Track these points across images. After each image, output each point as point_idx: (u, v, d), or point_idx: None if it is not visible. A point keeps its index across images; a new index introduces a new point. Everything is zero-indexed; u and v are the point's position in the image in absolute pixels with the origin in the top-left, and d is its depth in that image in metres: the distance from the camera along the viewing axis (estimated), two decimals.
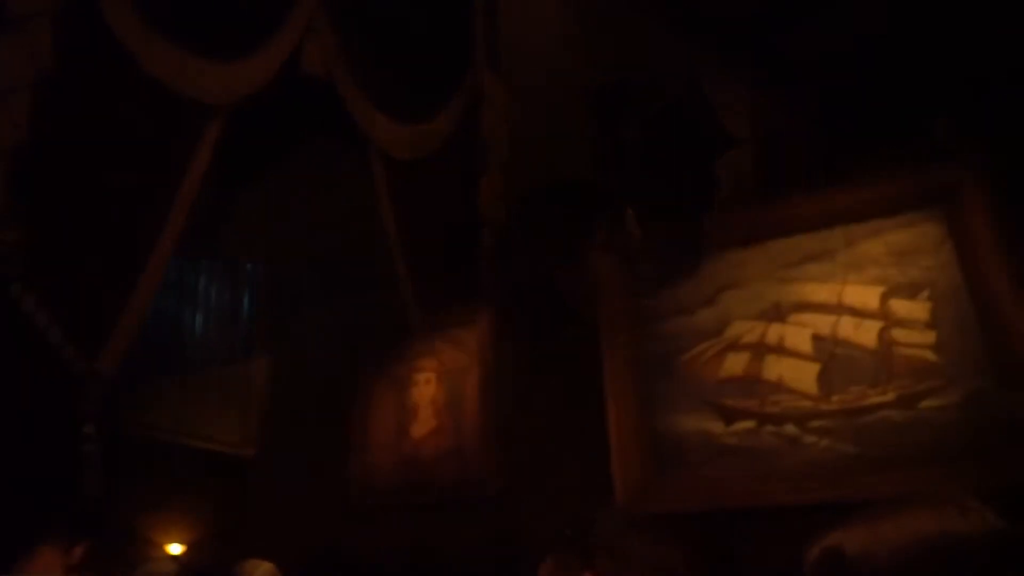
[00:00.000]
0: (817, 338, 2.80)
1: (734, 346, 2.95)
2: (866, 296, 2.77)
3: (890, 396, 2.59)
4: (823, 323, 2.81)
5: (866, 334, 2.72)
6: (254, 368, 5.01)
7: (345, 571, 3.35)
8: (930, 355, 2.58)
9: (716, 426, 2.87)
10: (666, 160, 3.19)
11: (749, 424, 2.80)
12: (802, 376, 2.77)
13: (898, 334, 2.66)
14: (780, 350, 2.85)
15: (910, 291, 2.70)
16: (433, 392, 3.65)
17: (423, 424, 3.61)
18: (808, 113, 2.91)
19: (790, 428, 2.72)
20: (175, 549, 8.61)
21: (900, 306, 2.70)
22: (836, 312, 2.80)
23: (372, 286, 4.09)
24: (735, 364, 2.92)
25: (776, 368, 2.83)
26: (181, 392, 6.43)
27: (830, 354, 2.76)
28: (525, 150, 3.15)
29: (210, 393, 6.48)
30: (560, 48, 2.58)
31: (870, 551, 0.77)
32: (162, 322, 4.86)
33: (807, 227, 2.97)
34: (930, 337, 2.61)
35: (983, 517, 0.75)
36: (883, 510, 0.81)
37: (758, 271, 3.02)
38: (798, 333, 2.84)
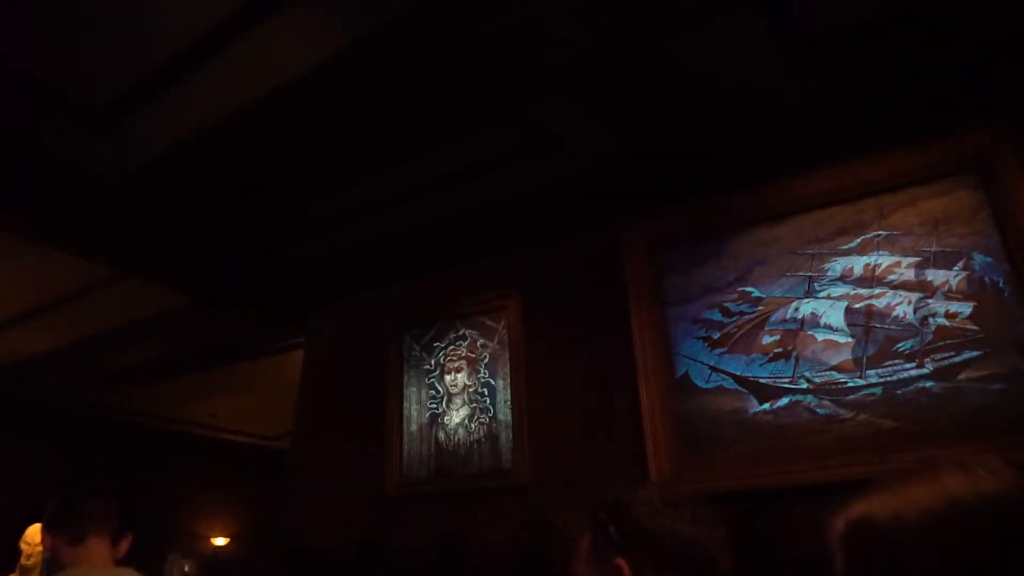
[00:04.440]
0: (851, 312, 2.75)
1: (767, 322, 2.92)
2: (901, 267, 2.72)
3: (928, 368, 2.55)
4: (857, 296, 2.77)
5: (901, 306, 2.67)
6: (289, 360, 5.09)
7: (381, 560, 3.39)
8: (969, 326, 2.53)
9: (750, 404, 2.84)
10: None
11: (784, 401, 2.77)
12: (837, 351, 2.73)
13: (935, 305, 2.61)
14: (814, 325, 2.81)
15: (946, 261, 2.64)
16: (465, 379, 3.67)
17: (456, 411, 3.63)
18: (835, 82, 2.84)
19: (826, 404, 2.69)
20: (220, 542, 8.86)
21: (936, 276, 2.64)
22: (870, 285, 2.75)
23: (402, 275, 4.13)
24: (768, 341, 2.89)
25: (810, 344, 2.80)
26: (220, 386, 6.57)
27: (865, 328, 2.71)
28: None
29: (247, 386, 6.62)
30: None
31: (899, 514, 0.75)
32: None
33: (838, 200, 2.92)
34: (968, 307, 2.55)
35: (1014, 478, 0.73)
36: (911, 476, 0.80)
37: (789, 246, 2.98)
38: (832, 307, 2.80)
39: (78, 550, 1.72)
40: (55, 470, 6.63)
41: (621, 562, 1.08)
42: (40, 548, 3.00)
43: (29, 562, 3.37)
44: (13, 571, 3.45)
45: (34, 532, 3.35)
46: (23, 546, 3.42)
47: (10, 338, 5.24)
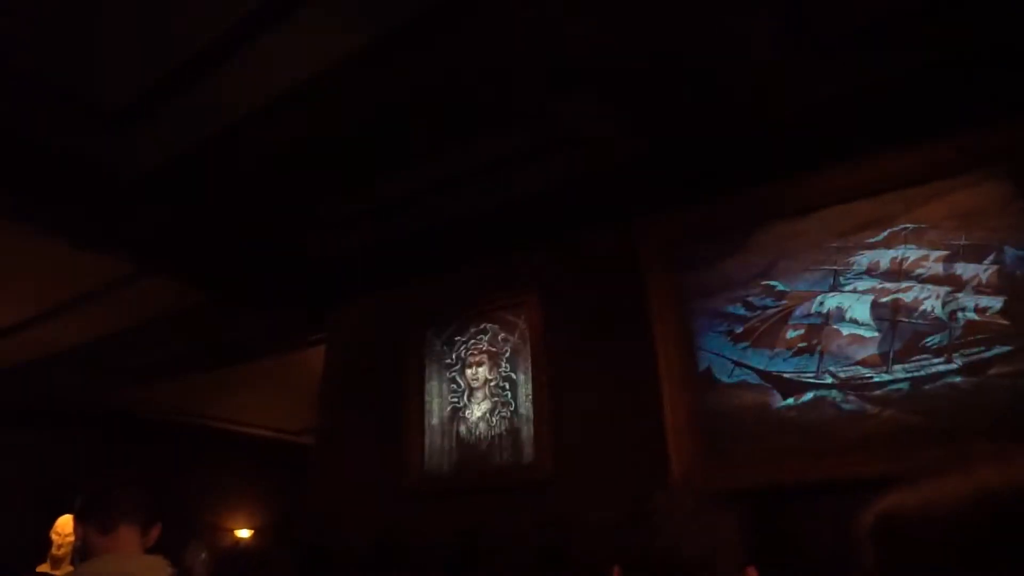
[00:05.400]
0: (878, 306, 2.72)
1: (791, 317, 2.89)
2: (929, 261, 2.68)
3: (956, 364, 2.51)
4: (884, 290, 2.73)
5: (929, 300, 2.63)
6: (311, 355, 5.13)
7: (399, 556, 3.40)
8: (999, 320, 2.49)
9: (774, 399, 2.82)
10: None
11: (808, 396, 2.75)
12: (863, 345, 2.70)
13: (964, 299, 2.57)
14: (839, 319, 2.78)
15: (976, 254, 2.60)
16: (487, 373, 3.67)
17: (478, 406, 3.64)
18: (855, 77, 2.79)
19: (851, 399, 2.66)
20: (243, 534, 8.96)
21: (965, 270, 2.60)
22: (897, 279, 2.72)
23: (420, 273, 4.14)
24: (792, 336, 2.86)
25: (835, 338, 2.77)
26: (242, 381, 6.64)
27: (892, 322, 2.68)
28: None
29: (270, 382, 6.68)
30: None
31: (930, 505, 0.73)
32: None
33: (863, 193, 2.88)
34: (998, 301, 2.51)
35: None
36: (943, 468, 0.77)
37: (813, 240, 2.94)
38: (858, 301, 2.77)
39: (108, 539, 1.76)
40: (76, 465, 6.70)
41: (616, 569, 1.13)
42: (70, 538, 3.05)
43: (60, 552, 3.43)
44: (43, 563, 3.51)
45: (64, 523, 3.41)
46: (54, 536, 3.49)
47: (32, 335, 5.32)
